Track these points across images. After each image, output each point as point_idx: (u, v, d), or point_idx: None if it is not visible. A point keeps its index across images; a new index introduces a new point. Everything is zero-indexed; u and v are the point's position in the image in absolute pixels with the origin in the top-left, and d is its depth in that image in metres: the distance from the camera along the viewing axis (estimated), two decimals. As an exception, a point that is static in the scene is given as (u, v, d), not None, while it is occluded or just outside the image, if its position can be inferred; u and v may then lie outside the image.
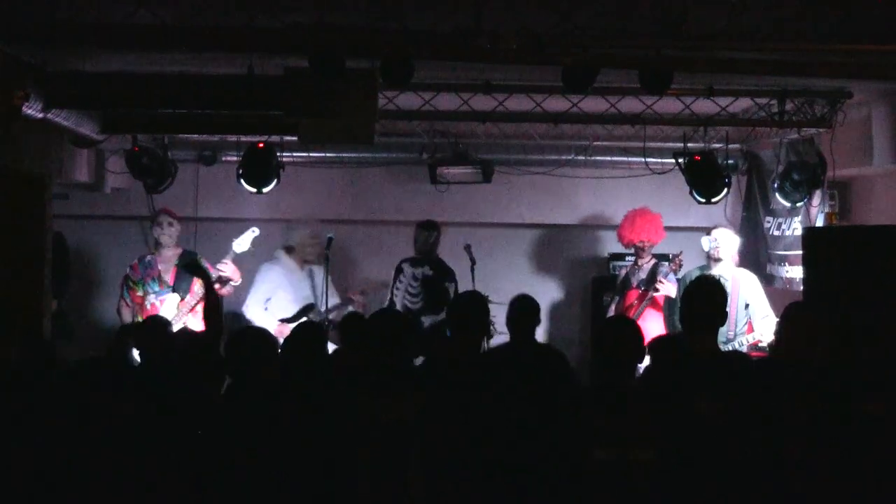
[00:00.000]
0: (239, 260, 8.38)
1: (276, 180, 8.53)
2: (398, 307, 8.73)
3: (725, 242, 8.37)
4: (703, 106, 8.32)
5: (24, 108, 6.74)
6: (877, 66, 6.48)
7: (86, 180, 9.22)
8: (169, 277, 8.25)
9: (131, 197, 9.81)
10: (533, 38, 5.99)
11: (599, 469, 4.45)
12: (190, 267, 7.29)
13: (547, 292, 10.93)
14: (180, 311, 8.08)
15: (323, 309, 8.56)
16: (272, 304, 8.74)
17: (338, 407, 4.64)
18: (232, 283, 8.28)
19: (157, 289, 8.23)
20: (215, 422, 4.65)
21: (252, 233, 8.36)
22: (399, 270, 9.03)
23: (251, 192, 8.64)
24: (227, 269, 8.22)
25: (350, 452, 4.52)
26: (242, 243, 8.29)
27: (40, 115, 7.04)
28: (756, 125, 8.73)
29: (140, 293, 8.28)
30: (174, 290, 8.18)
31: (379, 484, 4.51)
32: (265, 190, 8.58)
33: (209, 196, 10.46)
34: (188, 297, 8.13)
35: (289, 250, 8.90)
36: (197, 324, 7.87)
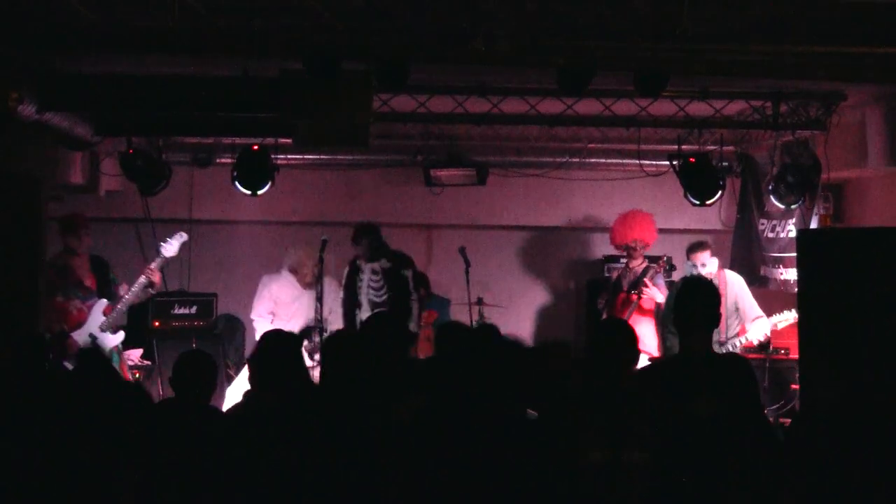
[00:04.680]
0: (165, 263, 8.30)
1: (270, 182, 8.52)
2: (363, 304, 8.71)
3: (709, 266, 8.34)
4: (698, 108, 8.33)
5: (18, 110, 6.74)
6: (871, 69, 6.50)
7: (80, 182, 9.21)
8: (89, 283, 8.06)
9: (126, 199, 9.79)
10: (528, 40, 6.00)
11: (594, 470, 4.45)
12: None
13: (541, 294, 10.97)
14: (109, 316, 7.96)
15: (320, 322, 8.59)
16: (276, 320, 8.73)
17: (337, 409, 4.63)
18: (155, 287, 8.19)
19: (80, 294, 8.01)
20: (218, 428, 4.65)
21: (180, 237, 8.24)
22: (356, 269, 8.89)
23: (246, 195, 8.62)
24: (155, 275, 8.08)
25: (349, 454, 4.52)
26: (170, 248, 8.18)
27: (35, 118, 7.04)
28: (750, 127, 8.74)
29: (60, 298, 8.00)
30: (101, 296, 8.02)
31: (378, 485, 4.50)
32: (260, 192, 8.56)
33: (203, 198, 10.46)
34: (118, 304, 8.01)
35: (293, 270, 8.90)
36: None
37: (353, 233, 8.90)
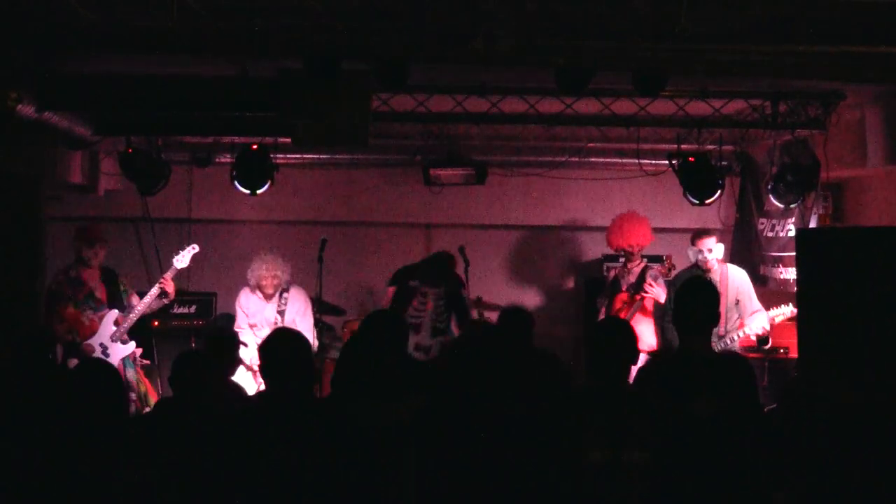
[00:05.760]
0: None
1: (269, 182, 8.52)
2: (424, 330, 8.50)
3: (715, 252, 8.30)
4: (697, 107, 8.33)
5: (18, 110, 6.74)
6: (871, 69, 6.50)
7: (79, 182, 9.21)
8: (100, 294, 8.00)
9: (125, 199, 9.79)
10: (528, 40, 6.00)
11: (594, 470, 4.46)
12: None
13: (540, 294, 10.96)
14: (121, 326, 7.92)
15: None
16: (258, 332, 8.62)
17: (335, 411, 4.64)
18: (168, 297, 8.16)
19: (93, 305, 7.95)
20: (217, 428, 4.64)
21: (192, 250, 8.25)
22: (412, 289, 8.66)
23: (245, 194, 8.62)
24: (169, 286, 8.04)
25: (349, 454, 4.52)
26: (183, 260, 8.18)
27: (34, 117, 7.04)
28: (750, 127, 8.73)
29: (73, 309, 7.93)
30: (111, 307, 7.98)
31: (378, 485, 4.51)
32: (259, 192, 8.56)
33: (203, 198, 10.47)
34: (130, 314, 7.97)
35: (255, 287, 8.65)
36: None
37: (438, 261, 8.80)
